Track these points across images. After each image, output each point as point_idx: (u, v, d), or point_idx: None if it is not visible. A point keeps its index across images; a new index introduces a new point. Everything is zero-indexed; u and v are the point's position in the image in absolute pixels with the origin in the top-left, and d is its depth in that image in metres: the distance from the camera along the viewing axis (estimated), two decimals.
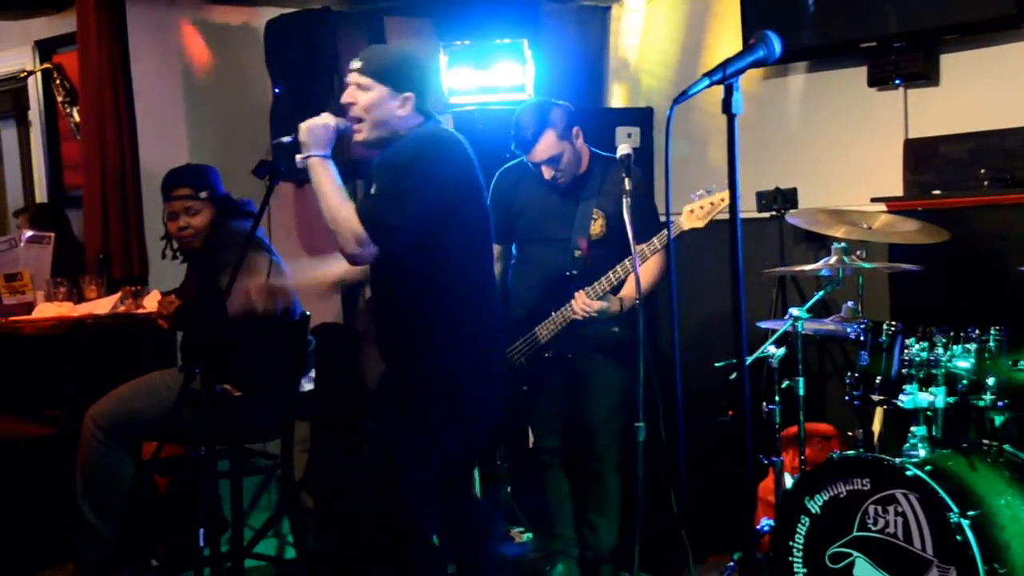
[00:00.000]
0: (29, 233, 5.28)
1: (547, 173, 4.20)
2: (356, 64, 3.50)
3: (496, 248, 4.42)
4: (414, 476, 3.51)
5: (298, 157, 3.46)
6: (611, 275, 4.05)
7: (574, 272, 4.19)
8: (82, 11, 5.38)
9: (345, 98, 3.51)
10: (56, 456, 4.41)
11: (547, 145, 4.13)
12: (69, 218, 5.92)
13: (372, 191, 3.47)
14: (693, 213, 3.95)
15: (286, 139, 3.50)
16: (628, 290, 4.10)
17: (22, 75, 6.29)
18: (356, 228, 3.33)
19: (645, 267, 4.06)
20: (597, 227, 4.22)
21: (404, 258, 3.43)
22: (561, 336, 4.20)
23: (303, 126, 3.45)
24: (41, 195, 6.42)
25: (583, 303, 4.09)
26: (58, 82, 6.04)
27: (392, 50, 3.69)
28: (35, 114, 6.41)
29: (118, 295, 4.89)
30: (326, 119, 3.47)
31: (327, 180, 3.41)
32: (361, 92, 3.48)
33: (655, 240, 4.01)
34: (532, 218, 4.32)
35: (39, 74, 6.23)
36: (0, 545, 4.48)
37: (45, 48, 6.19)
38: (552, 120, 4.13)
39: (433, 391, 3.50)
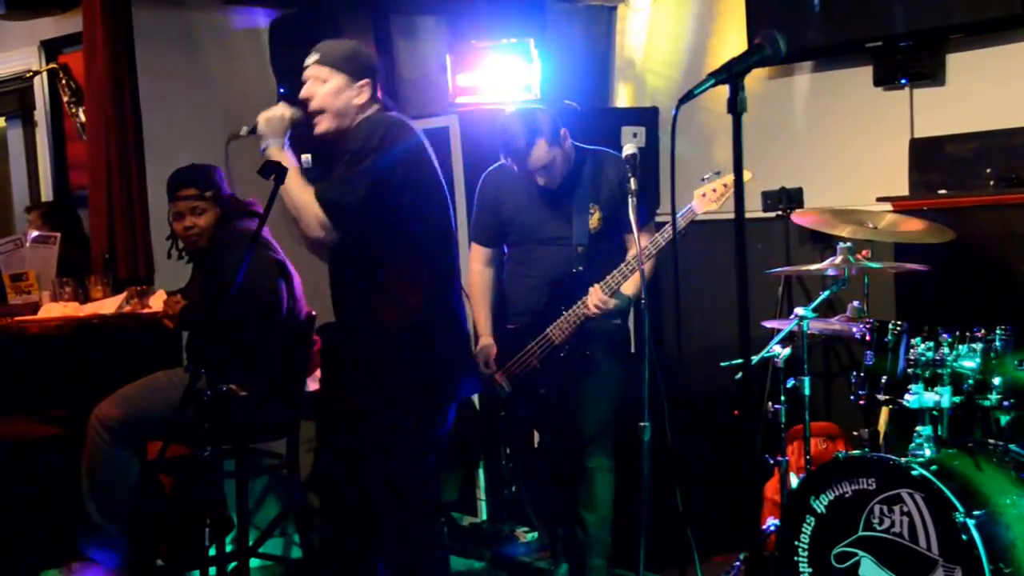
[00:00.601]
0: (35, 233, 5.28)
1: (541, 180, 4.19)
2: (312, 58, 3.59)
3: (485, 251, 4.45)
4: (401, 454, 3.57)
5: (260, 146, 3.56)
6: (624, 267, 4.03)
7: (580, 268, 4.17)
8: (88, 11, 5.38)
9: (304, 93, 3.58)
10: (62, 456, 4.42)
11: (541, 154, 4.11)
12: (80, 216, 5.92)
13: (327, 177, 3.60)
14: (706, 196, 3.94)
15: (245, 129, 3.59)
16: (632, 286, 4.09)
17: (28, 75, 6.29)
18: (318, 212, 3.43)
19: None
20: (594, 220, 4.20)
21: (360, 240, 3.50)
22: (575, 333, 4.18)
23: (261, 117, 3.56)
24: (47, 195, 6.42)
25: (599, 299, 4.05)
26: (64, 82, 6.04)
27: (346, 41, 3.76)
28: (41, 114, 6.41)
29: (124, 295, 4.89)
30: (281, 109, 3.57)
31: (288, 165, 3.47)
32: (319, 84, 3.56)
33: (658, 237, 4.00)
34: (526, 220, 4.30)
35: (45, 74, 6.23)
36: (6, 544, 4.48)
37: (51, 48, 6.19)
38: (541, 128, 4.10)
39: (389, 366, 3.55)
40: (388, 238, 3.51)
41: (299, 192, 3.47)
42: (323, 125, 3.57)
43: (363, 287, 3.58)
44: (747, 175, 3.91)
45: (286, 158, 3.51)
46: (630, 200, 3.82)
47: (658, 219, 4.41)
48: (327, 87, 3.55)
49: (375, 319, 3.57)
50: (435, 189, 3.64)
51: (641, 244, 3.85)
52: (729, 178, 3.88)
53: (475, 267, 4.45)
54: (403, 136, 3.57)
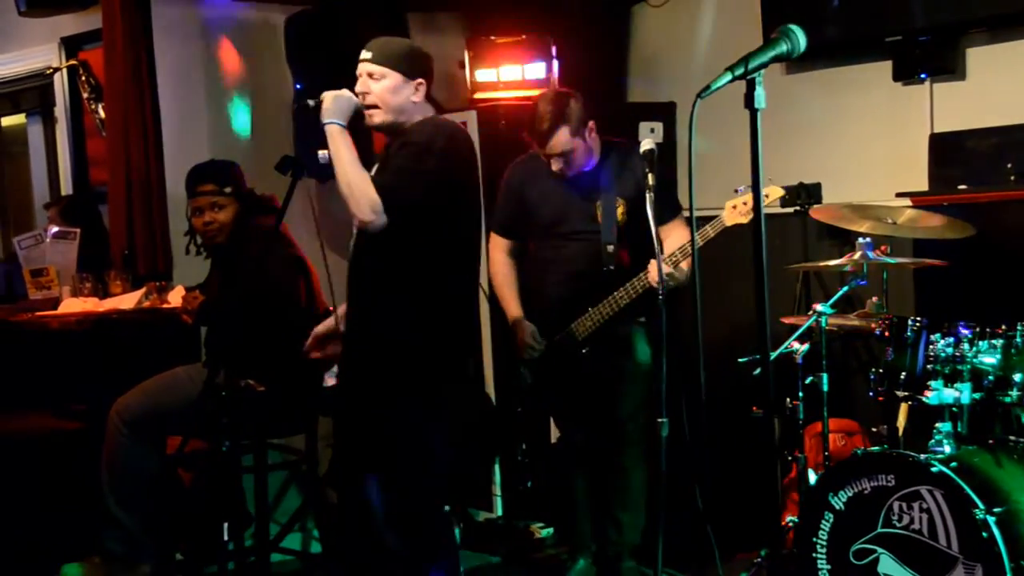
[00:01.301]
0: (55, 229, 5.31)
1: (555, 165, 4.20)
2: (366, 55, 3.62)
3: (506, 242, 4.46)
4: (409, 449, 3.59)
5: (323, 121, 3.57)
6: (675, 254, 4.01)
7: (611, 268, 4.17)
8: (107, 8, 5.40)
9: (360, 87, 3.61)
10: (82, 450, 4.44)
11: (561, 140, 4.12)
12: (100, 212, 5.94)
13: (382, 166, 3.60)
14: (736, 209, 3.92)
15: (311, 101, 3.61)
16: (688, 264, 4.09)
17: (48, 72, 6.32)
18: (372, 195, 3.44)
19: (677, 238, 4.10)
20: (619, 214, 4.20)
21: (407, 236, 3.51)
22: (599, 331, 4.18)
23: (328, 94, 3.58)
24: (67, 191, 6.45)
25: (654, 274, 3.98)
26: (84, 79, 6.07)
27: (400, 40, 3.80)
28: (61, 110, 6.44)
29: (143, 290, 4.91)
30: (348, 94, 3.60)
31: (345, 147, 3.52)
32: (374, 81, 3.59)
33: (687, 246, 3.98)
34: (550, 213, 4.30)
35: (65, 71, 6.26)
36: (27, 538, 4.51)
37: (71, 45, 6.22)
38: (568, 115, 4.11)
39: (397, 365, 3.57)
40: (426, 239, 3.54)
41: (355, 172, 3.49)
42: (377, 118, 3.61)
43: (386, 283, 3.59)
44: (777, 192, 3.95)
45: (347, 139, 3.54)
46: (648, 196, 3.82)
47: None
48: (383, 84, 3.59)
49: (393, 316, 3.58)
50: (477, 201, 3.75)
51: (668, 236, 3.86)
52: (763, 192, 3.87)
53: (496, 255, 4.46)
54: (464, 144, 3.65)
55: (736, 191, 3.93)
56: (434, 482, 3.71)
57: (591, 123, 4.18)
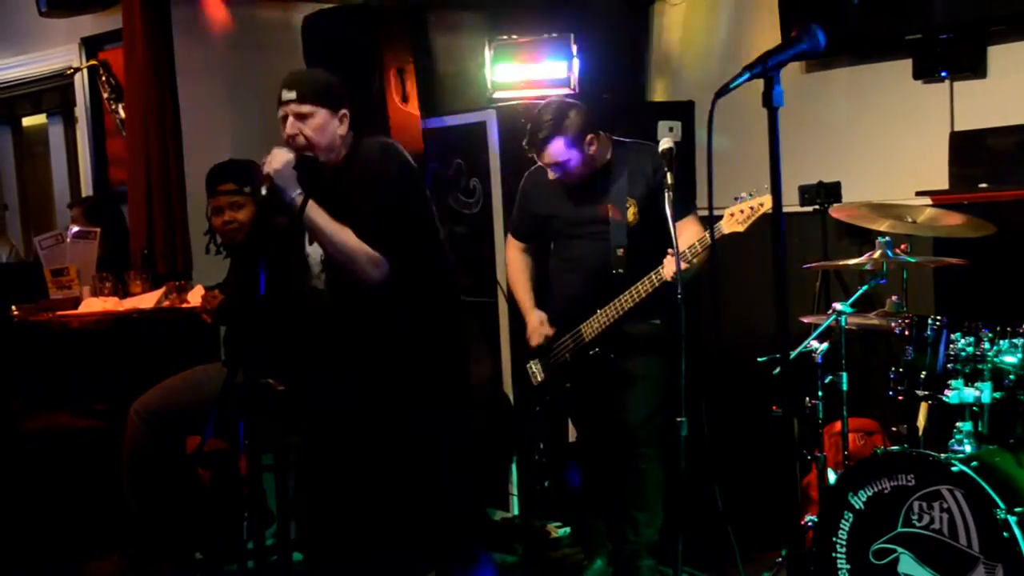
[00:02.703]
0: (75, 229, 5.33)
1: (552, 175, 4.22)
2: (290, 95, 3.51)
3: (520, 244, 4.51)
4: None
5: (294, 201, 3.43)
6: (697, 244, 3.99)
7: (620, 271, 4.17)
8: (127, 9, 5.43)
9: (289, 130, 3.50)
10: (102, 449, 4.46)
11: (554, 151, 4.13)
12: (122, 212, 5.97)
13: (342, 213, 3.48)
14: (733, 217, 3.92)
15: (263, 191, 3.44)
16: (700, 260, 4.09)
17: (69, 72, 6.36)
18: (371, 253, 3.42)
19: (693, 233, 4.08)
20: (631, 215, 4.20)
21: (406, 266, 3.52)
22: (607, 333, 4.18)
23: (269, 170, 3.41)
24: (87, 191, 6.48)
25: (670, 269, 3.99)
26: (104, 79, 6.10)
27: (317, 72, 3.76)
28: (81, 110, 6.47)
29: (162, 290, 4.93)
30: (281, 155, 3.43)
31: (322, 216, 3.42)
32: (303, 121, 3.49)
33: (696, 244, 3.97)
34: (562, 215, 4.32)
35: (85, 71, 6.29)
36: (47, 536, 4.54)
37: (92, 45, 6.25)
38: (565, 127, 4.11)
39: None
40: (420, 252, 3.59)
41: (345, 239, 3.42)
42: (279, 196, 3.46)
43: (393, 310, 3.60)
44: (764, 200, 3.93)
45: (317, 206, 3.43)
46: (666, 194, 3.82)
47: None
48: (313, 122, 3.50)
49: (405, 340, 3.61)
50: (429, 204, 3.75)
51: (681, 233, 3.86)
52: (758, 201, 3.88)
53: (511, 253, 4.52)
54: (411, 160, 3.65)
55: (736, 199, 3.92)
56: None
57: (591, 136, 4.16)
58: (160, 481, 4.24)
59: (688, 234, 4.09)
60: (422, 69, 5.41)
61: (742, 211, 3.89)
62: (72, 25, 6.24)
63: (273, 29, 5.53)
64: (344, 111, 3.56)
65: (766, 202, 3.91)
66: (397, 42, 5.19)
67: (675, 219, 3.82)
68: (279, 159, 3.41)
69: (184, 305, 4.82)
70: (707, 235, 3.95)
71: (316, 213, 3.41)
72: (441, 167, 5.57)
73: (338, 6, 5.22)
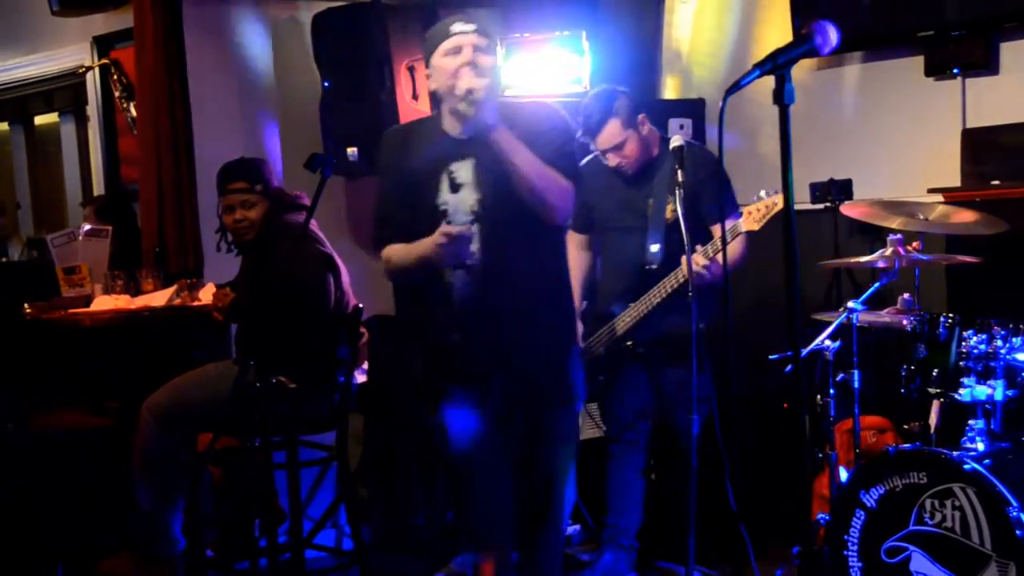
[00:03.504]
0: (87, 227, 5.35)
1: (612, 161, 4.25)
2: (469, 26, 3.22)
3: (578, 237, 4.53)
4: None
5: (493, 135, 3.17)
6: (707, 249, 4.01)
7: (653, 267, 4.19)
8: (139, 7, 5.44)
9: (465, 58, 3.17)
10: (113, 447, 4.47)
11: (611, 133, 4.18)
12: (135, 210, 5.99)
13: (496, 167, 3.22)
14: (751, 215, 3.93)
15: (463, 104, 3.14)
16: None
17: (81, 71, 6.37)
18: (562, 181, 3.23)
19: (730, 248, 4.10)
20: (669, 211, 4.23)
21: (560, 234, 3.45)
22: (639, 328, 4.20)
23: (477, 92, 3.12)
24: (99, 189, 6.50)
25: (703, 263, 4.03)
26: (115, 77, 6.11)
27: (483, 14, 3.55)
28: (93, 109, 6.48)
29: (174, 288, 4.94)
30: (486, 84, 3.16)
31: (518, 142, 3.18)
32: (482, 54, 3.21)
33: (716, 241, 3.99)
34: (605, 207, 4.37)
35: (97, 70, 6.30)
36: (59, 534, 4.55)
37: (103, 44, 6.26)
38: (616, 108, 4.18)
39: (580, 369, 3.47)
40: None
41: (540, 167, 3.18)
42: (480, 94, 3.14)
43: (557, 268, 3.47)
44: (779, 199, 3.93)
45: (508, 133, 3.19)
46: (677, 192, 3.83)
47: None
48: (490, 59, 3.23)
49: (553, 303, 3.43)
50: None
51: (718, 233, 3.95)
52: (772, 200, 3.89)
53: (571, 251, 4.52)
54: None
55: (753, 198, 3.92)
56: None
57: (642, 116, 4.24)
58: (171, 479, 4.25)
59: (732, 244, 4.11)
60: None
61: (758, 209, 3.91)
62: (84, 24, 6.25)
63: (284, 26, 5.53)
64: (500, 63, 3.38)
65: (779, 201, 3.91)
66: (407, 39, 5.18)
67: (719, 220, 3.87)
68: (484, 81, 3.15)
69: (195, 303, 4.82)
70: (723, 231, 3.95)
71: (513, 138, 3.17)
72: None
73: (349, 3, 5.21)
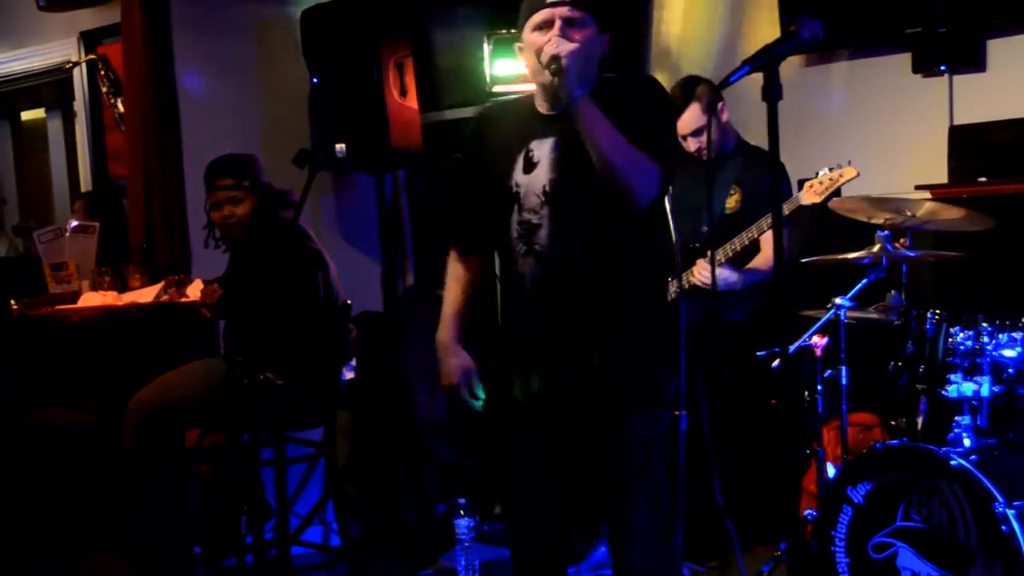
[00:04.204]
0: (75, 223, 5.33)
1: (691, 145, 4.31)
2: None
3: None
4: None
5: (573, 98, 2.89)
6: (734, 242, 4.05)
7: (696, 245, 4.22)
8: (126, 3, 5.43)
9: (556, 34, 2.93)
10: (101, 443, 4.46)
11: (692, 117, 4.26)
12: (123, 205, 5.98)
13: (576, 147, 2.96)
14: (812, 188, 4.02)
15: (549, 69, 2.87)
16: (755, 262, 4.20)
17: (68, 66, 6.34)
18: (646, 161, 2.90)
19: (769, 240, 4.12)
20: (732, 201, 4.27)
21: (645, 216, 3.00)
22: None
23: (564, 51, 2.86)
24: (86, 185, 6.48)
25: (701, 272, 4.13)
26: (103, 73, 6.09)
27: None
28: (80, 105, 6.46)
29: (161, 284, 4.93)
30: (580, 48, 2.90)
31: (603, 115, 2.89)
32: (573, 28, 2.95)
33: (762, 223, 4.07)
34: (676, 189, 4.36)
35: (84, 65, 6.27)
36: (46, 531, 4.54)
37: (90, 39, 6.24)
38: (699, 94, 4.27)
39: (668, 368, 3.11)
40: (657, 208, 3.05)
41: (620, 138, 2.87)
42: (567, 76, 2.87)
43: (640, 261, 3.08)
44: (851, 172, 3.98)
45: (594, 105, 2.90)
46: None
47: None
48: (584, 33, 2.95)
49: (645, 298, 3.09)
50: None
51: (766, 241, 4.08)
52: (838, 172, 3.93)
53: None
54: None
55: (816, 173, 4.07)
56: None
57: (722, 104, 4.34)
58: (159, 476, 4.24)
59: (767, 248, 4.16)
60: (421, 63, 5.40)
61: (821, 182, 3.98)
62: (71, 19, 6.23)
63: (272, 22, 5.52)
64: (607, 35, 3.03)
65: (847, 173, 4.00)
66: (396, 36, 5.18)
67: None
68: (572, 44, 2.89)
69: (183, 299, 4.82)
70: (763, 223, 4.09)
71: (597, 110, 2.89)
72: (439, 161, 5.56)
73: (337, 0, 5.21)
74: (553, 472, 3.15)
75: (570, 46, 2.87)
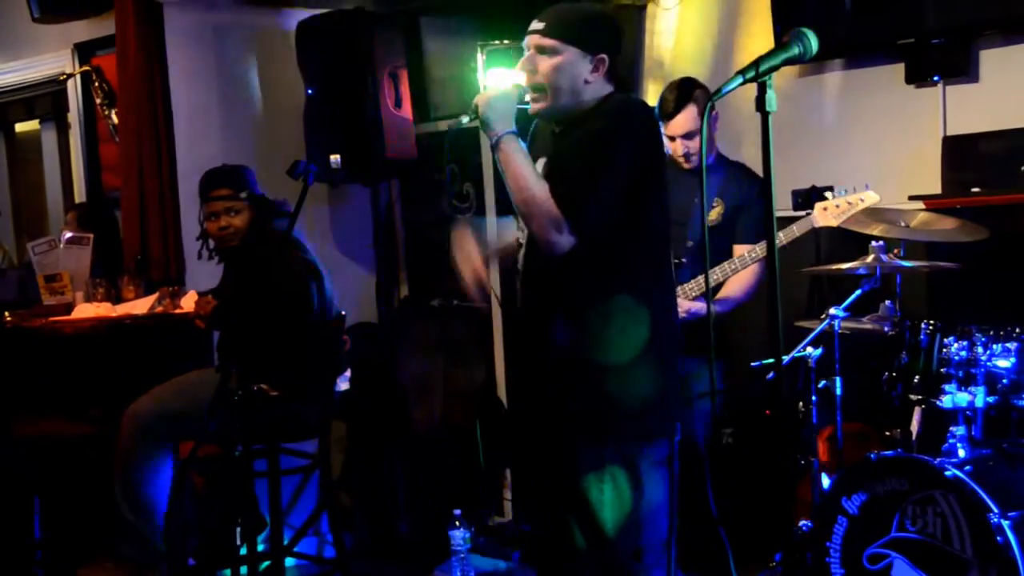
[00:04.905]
0: (69, 234, 5.33)
1: (678, 149, 4.22)
2: (537, 25, 3.06)
3: None
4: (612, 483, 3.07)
5: (489, 136, 3.01)
6: (715, 272, 4.03)
7: (682, 260, 4.21)
8: (120, 15, 5.43)
9: (522, 65, 3.06)
10: (95, 455, 4.45)
11: (687, 119, 4.19)
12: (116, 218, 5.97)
13: (554, 168, 3.05)
14: (827, 211, 3.97)
15: (465, 119, 3.04)
16: (725, 291, 4.15)
17: (62, 78, 6.35)
18: (554, 211, 2.90)
19: (743, 274, 4.11)
20: (715, 214, 4.24)
21: (598, 245, 2.98)
22: None
23: (482, 100, 3.00)
24: (80, 197, 6.48)
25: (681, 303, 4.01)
26: (97, 84, 6.10)
27: (581, 7, 3.18)
28: (74, 116, 6.47)
29: (156, 295, 4.93)
30: (505, 87, 3.03)
31: (519, 158, 2.96)
32: (544, 57, 3.03)
33: (756, 248, 4.01)
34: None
35: (78, 77, 6.28)
36: (41, 542, 4.53)
37: (84, 51, 6.25)
38: (696, 97, 4.21)
39: (639, 398, 3.04)
40: (627, 237, 3.03)
41: (532, 187, 2.93)
42: (543, 103, 3.05)
43: (591, 294, 3.03)
44: (872, 198, 3.97)
45: (521, 148, 2.98)
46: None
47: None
48: (553, 61, 3.01)
49: (607, 330, 3.03)
50: (665, 194, 3.16)
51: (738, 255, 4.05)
52: (857, 197, 3.93)
53: None
54: (651, 127, 3.13)
55: (830, 195, 4.02)
56: None
57: (716, 113, 4.29)
58: (153, 487, 4.23)
59: (741, 274, 4.13)
60: (415, 74, 5.41)
61: (838, 206, 3.95)
62: (65, 31, 6.23)
63: (266, 34, 5.52)
64: (602, 56, 3.03)
65: (868, 198, 3.97)
66: (390, 47, 5.19)
67: (750, 240, 4.02)
68: (497, 90, 3.02)
69: (177, 311, 4.82)
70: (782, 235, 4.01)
71: (518, 154, 2.97)
72: (434, 172, 5.57)
73: (332, 11, 5.21)
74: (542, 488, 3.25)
75: (488, 94, 3.02)
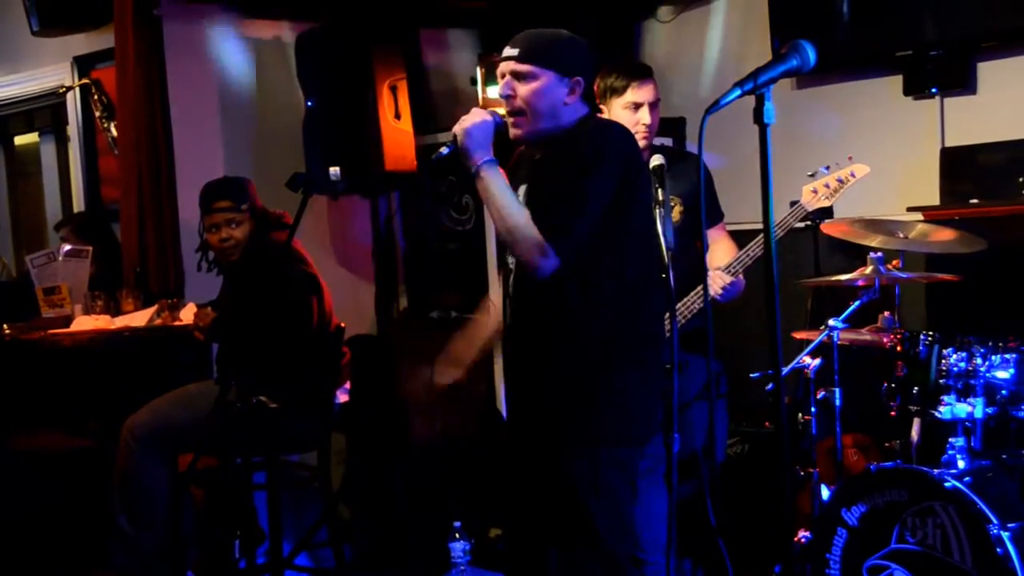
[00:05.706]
0: (68, 247, 5.33)
1: (644, 118, 3.92)
2: (511, 52, 3.09)
3: None
4: (600, 491, 3.10)
5: (468, 165, 3.04)
6: (744, 256, 3.94)
7: (665, 276, 4.11)
8: (119, 28, 5.44)
9: (502, 91, 3.11)
10: (94, 467, 4.45)
11: (654, 88, 3.95)
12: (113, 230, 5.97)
13: (538, 193, 3.11)
14: (817, 193, 3.91)
15: (444, 150, 3.05)
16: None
17: (61, 91, 6.36)
18: (536, 236, 2.96)
19: (722, 251, 4.03)
20: (676, 213, 4.21)
21: (583, 268, 3.04)
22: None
23: (459, 130, 3.03)
24: (79, 209, 6.48)
25: (722, 281, 3.89)
26: (96, 97, 6.10)
27: (552, 32, 3.18)
28: (73, 129, 6.47)
29: (154, 308, 4.93)
30: (481, 115, 3.07)
31: (499, 186, 3.02)
32: (521, 82, 3.07)
33: (743, 258, 3.94)
34: None
35: (77, 89, 6.29)
36: (39, 555, 4.52)
37: (84, 64, 6.26)
38: (655, 76, 3.99)
39: (618, 412, 3.09)
40: (613, 255, 3.08)
41: (513, 214, 3.00)
42: (523, 128, 3.09)
43: (579, 309, 3.07)
44: (863, 169, 3.92)
45: (500, 175, 3.04)
46: (657, 211, 3.80)
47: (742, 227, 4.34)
48: (531, 85, 3.05)
49: (591, 344, 3.08)
50: (649, 212, 3.13)
51: (713, 241, 3.95)
52: (846, 171, 3.86)
53: None
54: (630, 147, 3.15)
55: (809, 175, 3.94)
56: None
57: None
58: (152, 500, 4.22)
59: (722, 245, 4.04)
60: (415, 87, 5.42)
61: (827, 185, 3.89)
62: (64, 44, 6.25)
63: (266, 47, 5.53)
64: (578, 79, 3.09)
65: (857, 171, 3.91)
66: (390, 59, 5.20)
67: (711, 224, 3.95)
68: (473, 116, 3.05)
69: (176, 323, 4.82)
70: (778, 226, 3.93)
71: (497, 182, 3.02)
72: (433, 184, 5.57)
73: (331, 23, 5.22)
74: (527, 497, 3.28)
75: (465, 124, 3.04)
